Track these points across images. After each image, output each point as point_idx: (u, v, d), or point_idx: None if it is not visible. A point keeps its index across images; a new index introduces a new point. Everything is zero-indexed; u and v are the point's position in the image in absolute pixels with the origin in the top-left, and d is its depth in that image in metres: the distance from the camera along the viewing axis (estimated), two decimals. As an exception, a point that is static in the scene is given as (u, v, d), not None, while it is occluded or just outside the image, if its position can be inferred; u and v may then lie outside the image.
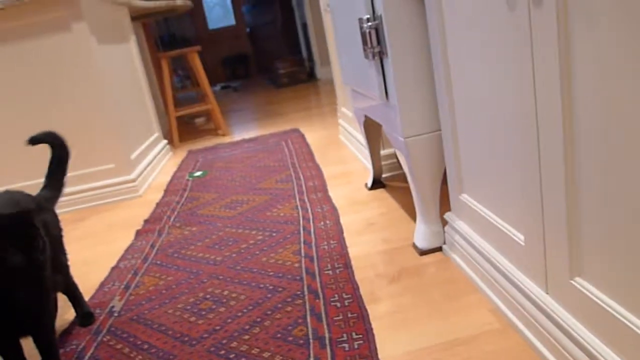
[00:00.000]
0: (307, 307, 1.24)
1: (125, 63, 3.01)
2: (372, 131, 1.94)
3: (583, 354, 0.81)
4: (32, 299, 1.05)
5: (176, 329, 1.26)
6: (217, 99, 3.96)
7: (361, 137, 2.26)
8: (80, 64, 2.42)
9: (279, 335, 1.15)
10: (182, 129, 4.39)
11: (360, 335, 1.10)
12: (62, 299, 1.36)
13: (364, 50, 1.35)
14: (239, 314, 1.27)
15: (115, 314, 1.39)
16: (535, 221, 0.89)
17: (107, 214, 2.39)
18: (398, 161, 2.07)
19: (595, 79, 0.66)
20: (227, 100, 6.15)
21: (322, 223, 1.75)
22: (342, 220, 1.75)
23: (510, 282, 1.03)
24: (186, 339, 1.21)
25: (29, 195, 1.23)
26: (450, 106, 1.18)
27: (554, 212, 0.82)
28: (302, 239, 1.64)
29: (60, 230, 1.32)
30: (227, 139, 3.67)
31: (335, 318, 1.18)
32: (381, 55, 1.31)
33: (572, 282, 0.82)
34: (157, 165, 3.05)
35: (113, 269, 1.71)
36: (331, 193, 2.05)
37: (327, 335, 1.12)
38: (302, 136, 3.23)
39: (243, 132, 3.83)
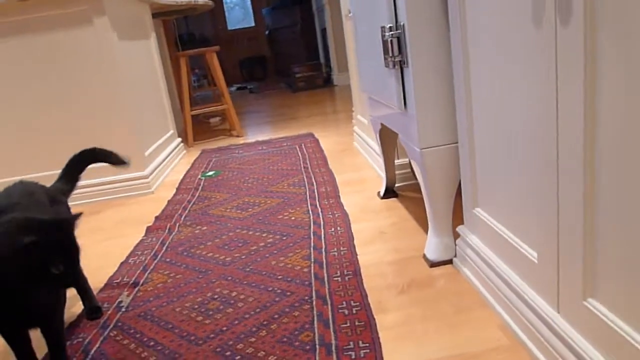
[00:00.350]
0: (315, 312, 1.24)
1: (144, 60, 3.03)
2: (388, 140, 1.94)
3: (593, 377, 0.80)
4: (49, 296, 1.06)
5: (183, 328, 1.26)
6: (233, 100, 3.97)
7: (376, 146, 2.26)
8: (100, 59, 2.44)
9: (285, 339, 1.15)
10: (197, 128, 4.41)
11: (367, 344, 1.10)
12: (70, 292, 1.36)
13: (385, 58, 1.35)
14: (247, 315, 1.27)
15: (123, 309, 1.40)
16: (550, 239, 0.88)
17: (119, 209, 2.41)
18: (412, 171, 2.06)
19: (621, 99, 0.65)
20: (243, 101, 6.18)
21: (332, 229, 1.74)
22: (353, 228, 1.74)
23: (521, 299, 1.02)
24: (192, 338, 1.21)
25: (43, 187, 1.24)
26: (469, 119, 1.17)
27: (569, 231, 0.81)
28: (312, 244, 1.63)
29: None
30: (241, 140, 3.68)
31: (342, 325, 1.17)
32: (402, 65, 1.31)
33: (585, 303, 0.81)
34: (170, 162, 3.07)
35: (122, 264, 1.72)
36: (343, 200, 2.05)
37: (333, 342, 1.12)
38: (317, 141, 3.23)
39: (257, 134, 3.84)
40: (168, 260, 1.68)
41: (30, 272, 0.95)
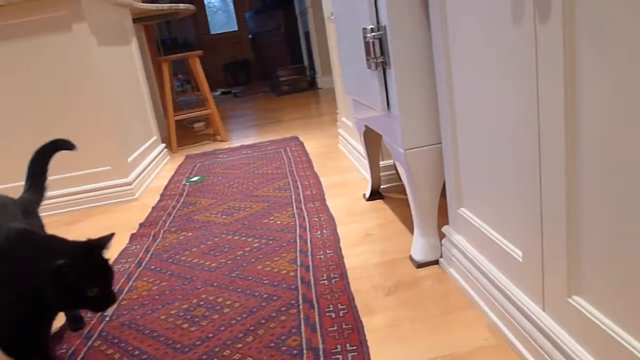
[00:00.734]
0: (302, 316, 1.23)
1: (125, 65, 3.01)
2: (372, 142, 1.94)
3: (580, 374, 0.80)
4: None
5: (168, 336, 1.24)
6: (217, 105, 3.95)
7: (361, 148, 2.26)
8: (80, 65, 2.41)
9: (272, 344, 1.14)
10: (181, 133, 4.38)
11: (355, 347, 1.09)
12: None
13: (367, 60, 1.35)
14: (233, 321, 1.26)
15: (107, 319, 1.38)
16: (534, 237, 0.88)
17: (102, 217, 2.38)
18: (397, 172, 2.06)
19: (601, 96, 0.66)
20: (227, 106, 6.15)
21: (318, 232, 1.74)
22: (339, 230, 1.74)
23: (507, 298, 1.02)
24: (178, 346, 1.19)
25: (12, 199, 1.21)
26: (452, 119, 1.17)
27: (553, 229, 0.82)
28: (298, 248, 1.62)
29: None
30: (225, 145, 3.66)
31: (329, 329, 1.16)
32: (384, 66, 1.30)
33: (569, 300, 0.81)
34: (154, 169, 3.04)
35: (106, 272, 1.69)
36: (329, 202, 2.04)
37: (321, 346, 1.11)
38: (302, 144, 3.22)
39: (242, 139, 3.82)
40: (153, 267, 1.66)
41: (64, 295, 0.94)
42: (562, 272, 0.81)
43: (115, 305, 1.44)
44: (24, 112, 2.42)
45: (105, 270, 1.00)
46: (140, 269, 1.67)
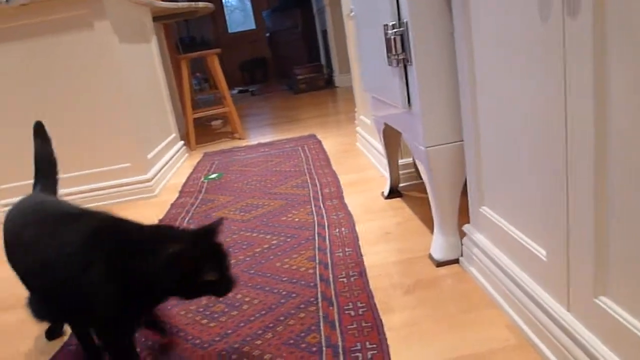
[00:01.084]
0: (321, 314, 1.23)
1: (145, 63, 3.03)
2: (391, 139, 1.93)
3: (606, 376, 0.79)
4: None
5: (188, 331, 1.25)
6: (234, 103, 3.96)
7: (379, 146, 2.25)
8: (101, 62, 2.44)
9: (291, 341, 1.14)
10: (199, 131, 4.40)
11: (374, 345, 1.08)
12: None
13: (388, 57, 1.34)
14: (252, 318, 1.26)
15: (128, 313, 1.38)
16: (560, 237, 0.87)
17: (122, 214, 2.38)
18: (416, 170, 2.05)
19: (632, 93, 0.64)
20: (244, 104, 6.18)
21: (337, 230, 1.73)
22: (357, 228, 1.73)
23: (530, 297, 1.01)
24: (197, 341, 1.20)
25: (49, 196, 1.21)
26: (474, 116, 1.16)
27: (580, 229, 0.80)
28: (317, 245, 1.62)
29: None
30: (243, 143, 3.67)
31: (349, 327, 1.16)
32: (405, 62, 1.29)
33: (596, 300, 0.80)
34: (173, 166, 3.06)
35: (126, 267, 1.70)
36: (347, 200, 2.03)
37: (340, 343, 1.10)
38: (319, 142, 3.22)
39: (259, 136, 3.83)
40: (172, 263, 1.67)
41: (183, 282, 0.93)
42: (588, 272, 0.80)
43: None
44: (45, 109, 2.45)
45: (221, 255, 0.97)
46: (159, 264, 1.68)
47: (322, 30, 6.76)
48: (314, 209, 1.98)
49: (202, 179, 2.75)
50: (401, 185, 2.04)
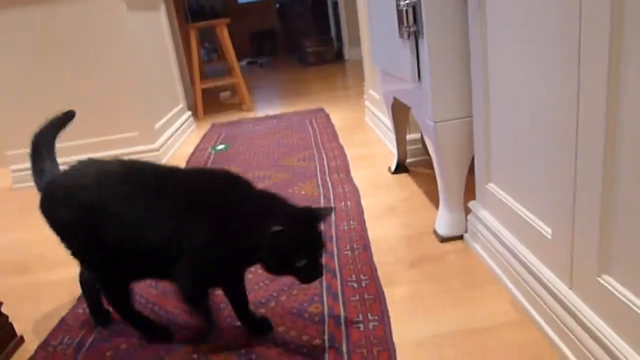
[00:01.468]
0: (324, 285, 1.24)
1: (153, 31, 3.01)
2: (400, 114, 1.92)
3: (604, 353, 0.79)
4: None
5: (193, 298, 1.26)
6: (243, 74, 3.93)
7: (387, 120, 2.24)
8: (110, 30, 2.42)
9: (294, 310, 1.15)
10: (207, 101, 4.39)
11: (376, 317, 1.10)
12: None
13: (399, 29, 1.32)
14: (256, 287, 1.27)
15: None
16: (565, 215, 0.87)
17: (129, 181, 2.40)
18: (423, 146, 2.04)
19: (645, 70, 0.63)
20: (253, 76, 6.14)
21: (342, 204, 1.73)
22: (363, 202, 1.73)
23: (533, 275, 1.01)
24: (202, 308, 1.21)
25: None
26: (485, 92, 1.15)
27: (586, 208, 0.80)
28: (322, 218, 1.63)
29: None
30: (251, 114, 3.66)
31: (351, 298, 1.17)
32: (416, 35, 1.28)
33: (599, 279, 0.80)
34: (180, 136, 3.06)
35: (133, 234, 1.72)
36: (353, 174, 2.03)
37: (342, 314, 1.12)
38: (327, 116, 3.21)
39: (267, 109, 3.82)
40: (178, 231, 1.68)
41: (273, 260, 0.93)
42: (592, 251, 0.80)
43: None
44: (52, 76, 2.45)
45: (317, 243, 0.95)
46: (165, 233, 1.69)
47: (332, 2, 6.67)
48: (320, 182, 1.98)
49: (210, 149, 2.75)
50: (408, 160, 2.04)
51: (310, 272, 0.95)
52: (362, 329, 1.06)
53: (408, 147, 2.02)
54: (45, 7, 2.36)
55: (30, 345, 1.18)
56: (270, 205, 0.99)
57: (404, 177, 1.94)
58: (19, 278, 1.55)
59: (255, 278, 1.31)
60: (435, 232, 1.44)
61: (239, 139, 2.91)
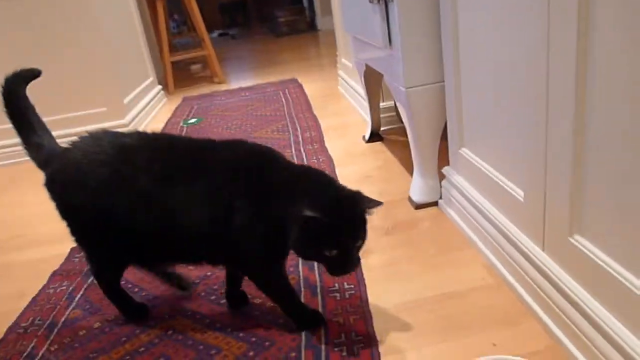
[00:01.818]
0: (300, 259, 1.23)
1: (119, 3, 2.91)
2: (373, 82, 1.90)
3: (577, 312, 0.80)
4: None
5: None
6: (214, 46, 3.85)
7: (360, 89, 2.21)
8: (75, 3, 2.33)
9: (270, 283, 1.14)
10: (178, 75, 4.29)
11: (352, 286, 1.09)
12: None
13: (369, -6, 1.29)
14: (231, 260, 1.26)
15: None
16: (537, 177, 0.86)
17: (100, 158, 2.35)
18: (397, 114, 2.03)
19: (613, 32, 0.62)
20: (225, 47, 6.02)
21: (317, 174, 1.72)
22: (338, 172, 1.72)
23: (507, 238, 1.02)
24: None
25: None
26: (456, 57, 1.13)
27: (558, 167, 0.80)
28: (296, 189, 1.61)
29: None
30: (223, 87, 3.60)
31: (327, 268, 1.17)
32: (386, 0, 1.25)
33: (570, 239, 0.80)
34: (151, 110, 3.00)
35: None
36: (328, 144, 2.02)
37: (318, 284, 1.11)
38: (300, 87, 3.16)
39: (240, 81, 3.75)
40: (150, 207, 1.65)
41: (302, 246, 0.87)
42: (564, 212, 0.80)
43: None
44: (16, 51, 2.36)
45: (354, 234, 0.86)
46: (138, 209, 1.66)
47: (304, -30, 6.54)
48: (294, 152, 1.96)
49: (181, 123, 2.70)
50: (382, 129, 2.03)
51: (340, 264, 0.86)
52: (338, 297, 1.06)
53: (381, 115, 2.01)
54: (1, -22, 2.26)
55: (0, 327, 1.15)
56: (310, 185, 0.90)
57: (378, 145, 1.93)
58: (-13, 260, 1.51)
59: (230, 251, 1.30)
60: (409, 199, 1.44)
61: (211, 112, 2.86)
